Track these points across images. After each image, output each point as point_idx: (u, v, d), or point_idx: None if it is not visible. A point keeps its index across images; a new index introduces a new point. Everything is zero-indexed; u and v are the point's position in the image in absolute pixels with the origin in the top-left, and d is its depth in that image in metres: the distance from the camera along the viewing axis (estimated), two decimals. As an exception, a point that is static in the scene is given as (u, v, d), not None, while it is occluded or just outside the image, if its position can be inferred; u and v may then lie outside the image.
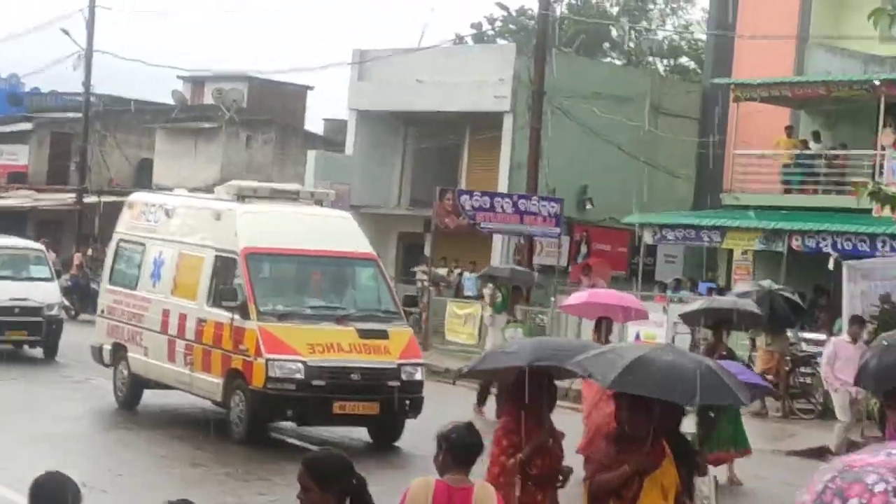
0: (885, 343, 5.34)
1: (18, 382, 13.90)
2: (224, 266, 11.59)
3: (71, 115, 27.57)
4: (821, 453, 10.81)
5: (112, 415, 12.39)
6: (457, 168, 21.86)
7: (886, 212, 11.50)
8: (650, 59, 29.24)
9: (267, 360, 10.54)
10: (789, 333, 14.27)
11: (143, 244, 13.13)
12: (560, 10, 23.55)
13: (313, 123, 28.39)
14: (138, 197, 14.81)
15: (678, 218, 19.26)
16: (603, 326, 10.42)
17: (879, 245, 17.10)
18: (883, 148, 17.87)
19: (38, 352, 16.00)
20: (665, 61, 30.48)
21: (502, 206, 17.85)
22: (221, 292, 11.52)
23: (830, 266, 16.39)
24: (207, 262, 11.82)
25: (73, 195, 25.96)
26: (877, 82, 17.99)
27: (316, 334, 11.04)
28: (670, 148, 21.13)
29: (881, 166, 17.86)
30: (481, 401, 12.89)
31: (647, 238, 19.25)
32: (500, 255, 19.66)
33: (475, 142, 21.88)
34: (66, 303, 18.10)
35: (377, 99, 22.68)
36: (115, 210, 20.09)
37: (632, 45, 30.65)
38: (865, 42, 18.95)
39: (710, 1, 22.83)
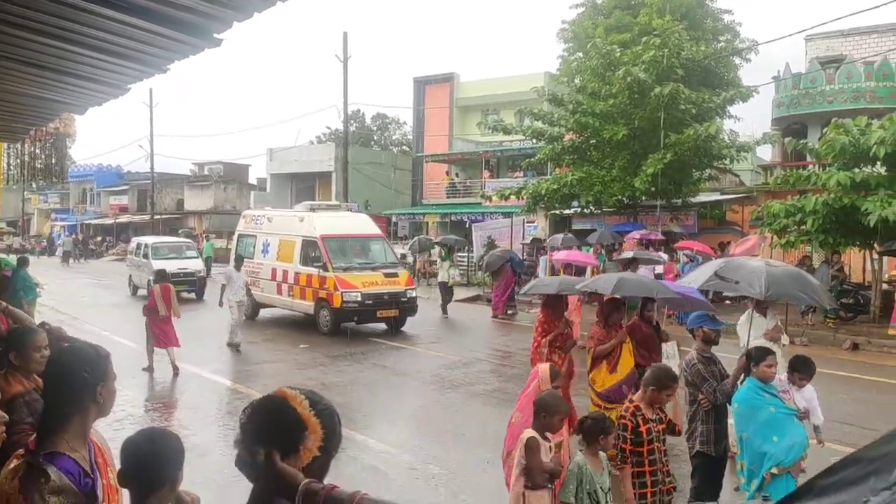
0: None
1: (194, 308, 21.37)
2: (308, 245, 17.04)
3: (145, 181, 45.00)
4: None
5: (249, 325, 17.25)
6: (314, 196, 39.95)
7: (489, 203, 30.61)
8: (392, 148, 52.89)
9: (342, 292, 15.82)
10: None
11: (255, 236, 19.29)
12: (354, 126, 46.67)
13: (252, 179, 49.77)
14: (248, 212, 21.20)
15: (407, 210, 39.31)
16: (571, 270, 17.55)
17: (487, 217, 32.43)
18: (484, 177, 37.10)
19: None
20: (398, 148, 54.79)
21: (334, 210, 38.04)
22: (311, 258, 16.85)
23: (468, 226, 35.21)
24: (298, 244, 17.35)
25: (149, 216, 44.32)
26: (480, 151, 36.24)
27: (364, 277, 16.36)
28: (401, 183, 41.99)
29: (484, 186, 34.79)
30: (445, 310, 19.93)
31: (394, 219, 38.87)
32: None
33: (321, 184, 41.20)
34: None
35: (279, 167, 42.07)
36: (169, 220, 38.48)
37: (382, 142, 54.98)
38: (476, 136, 38.14)
39: (413, 120, 44.21)
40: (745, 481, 5.21)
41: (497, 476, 7.59)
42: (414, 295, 17.00)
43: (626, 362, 7.19)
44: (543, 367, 5.50)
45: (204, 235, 40.06)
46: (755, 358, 5.33)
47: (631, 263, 15.76)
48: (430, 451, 8.37)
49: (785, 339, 7.85)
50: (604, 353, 7.22)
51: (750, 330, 6.64)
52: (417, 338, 16.40)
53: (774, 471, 5.01)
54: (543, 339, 8.07)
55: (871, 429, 8.56)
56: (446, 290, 20.29)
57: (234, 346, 14.69)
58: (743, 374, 5.49)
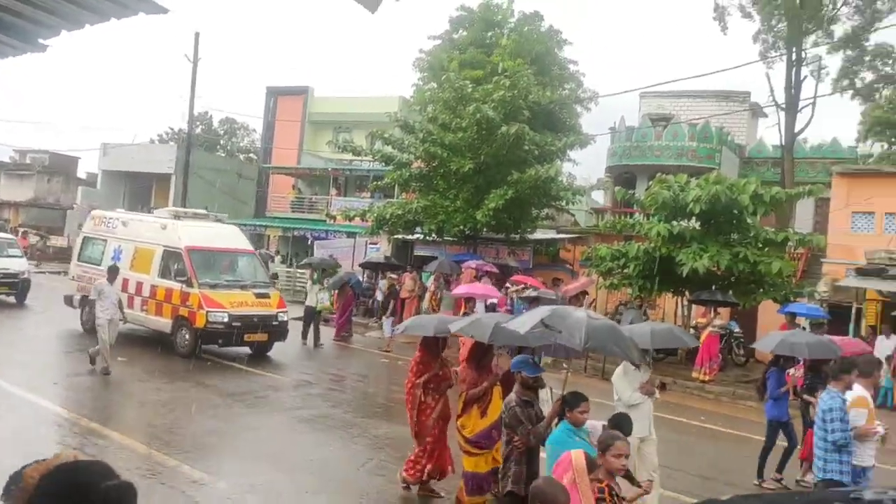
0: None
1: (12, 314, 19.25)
2: (170, 256, 15.68)
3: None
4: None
5: (80, 335, 15.92)
6: (150, 198, 39.05)
7: (333, 222, 32.97)
8: (239, 155, 51.42)
9: (207, 311, 14.66)
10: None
11: (104, 240, 17.49)
12: (200, 128, 44.68)
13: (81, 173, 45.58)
14: (97, 213, 19.04)
15: (248, 221, 37.94)
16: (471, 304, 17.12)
17: (331, 235, 32.47)
18: (331, 195, 39.87)
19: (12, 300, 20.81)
20: (245, 155, 53.31)
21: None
22: (174, 271, 15.44)
23: (310, 243, 37.35)
24: (157, 253, 15.90)
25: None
26: (329, 168, 36.18)
27: (232, 296, 15.21)
28: (245, 193, 41.01)
29: (330, 204, 38.56)
30: (304, 336, 18.30)
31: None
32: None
33: (158, 186, 39.32)
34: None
35: (113, 164, 39.52)
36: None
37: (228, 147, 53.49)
38: (326, 152, 36.10)
39: (263, 129, 43.11)
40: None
41: (315, 508, 7.50)
42: (285, 318, 15.91)
43: (497, 406, 6.90)
44: (578, 456, 4.55)
45: (19, 229, 36.82)
46: (569, 403, 5.62)
47: (533, 302, 15.76)
48: (249, 479, 8.10)
49: (658, 394, 8.09)
50: (476, 397, 7.04)
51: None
52: (245, 356, 15.77)
53: (580, 511, 5.23)
54: (417, 380, 7.75)
55: (678, 469, 9.22)
56: (312, 316, 18.65)
57: (102, 371, 12.66)
58: (557, 418, 5.75)
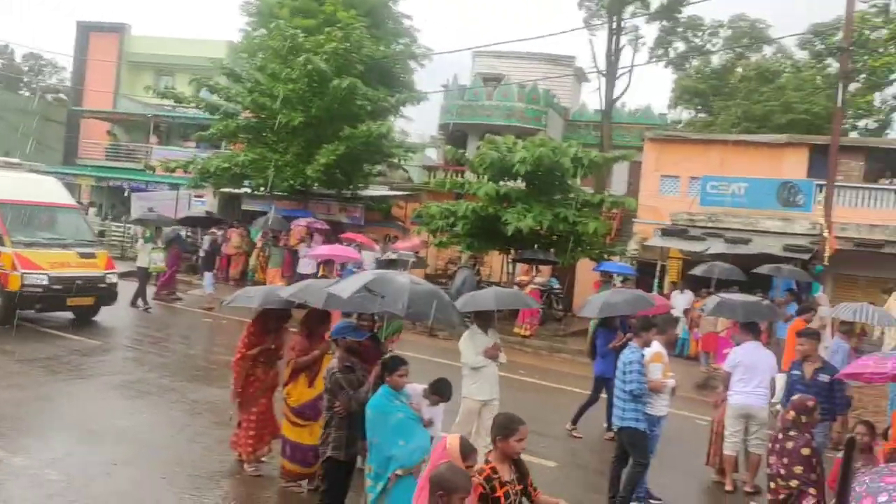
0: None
1: None
2: None
3: None
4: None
5: None
6: None
7: (156, 173, 30.36)
8: (47, 95, 46.88)
9: (22, 273, 13.48)
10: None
11: None
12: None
13: None
14: None
15: (56, 169, 31.67)
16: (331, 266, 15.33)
17: (152, 186, 31.12)
18: (151, 143, 34.36)
19: None
20: (53, 95, 48.77)
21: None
22: None
23: (127, 195, 32.27)
24: None
25: None
26: (150, 114, 33.69)
27: (52, 256, 14.09)
28: (52, 137, 36.90)
29: (150, 153, 33.43)
30: (136, 301, 17.15)
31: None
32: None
33: None
34: None
35: None
36: None
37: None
38: (147, 97, 30.57)
39: (73, 68, 39.78)
40: (372, 484, 5.46)
41: (122, 480, 7.09)
42: (115, 280, 14.93)
43: None
44: (452, 442, 4.27)
45: None
46: (388, 367, 5.66)
47: (391, 264, 15.28)
48: (50, 453, 7.52)
49: (503, 358, 8.15)
50: (304, 366, 6.83)
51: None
52: (50, 317, 14.55)
53: (399, 472, 5.29)
54: (248, 352, 7.37)
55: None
56: (147, 278, 17.77)
57: None
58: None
